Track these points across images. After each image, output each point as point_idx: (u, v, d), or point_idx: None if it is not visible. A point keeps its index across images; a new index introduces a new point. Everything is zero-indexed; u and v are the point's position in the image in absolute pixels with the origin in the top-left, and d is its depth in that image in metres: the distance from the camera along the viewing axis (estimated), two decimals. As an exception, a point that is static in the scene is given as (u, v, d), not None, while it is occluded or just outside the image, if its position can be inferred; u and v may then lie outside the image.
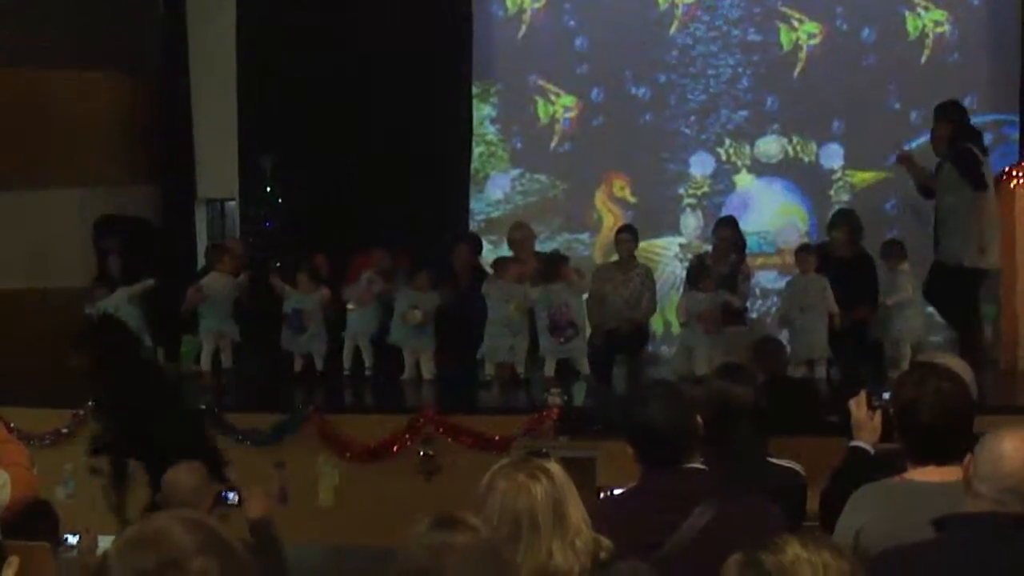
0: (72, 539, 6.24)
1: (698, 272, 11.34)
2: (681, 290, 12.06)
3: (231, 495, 6.11)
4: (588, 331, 11.35)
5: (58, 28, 12.67)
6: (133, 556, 2.52)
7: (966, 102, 12.13)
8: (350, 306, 11.38)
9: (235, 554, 2.58)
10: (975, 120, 11.24)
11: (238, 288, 11.63)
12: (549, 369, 11.00)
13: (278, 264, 12.18)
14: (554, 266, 11.27)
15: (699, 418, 4.47)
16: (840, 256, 11.26)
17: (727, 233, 11.86)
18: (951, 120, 10.56)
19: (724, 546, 3.20)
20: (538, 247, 12.42)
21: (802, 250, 11.31)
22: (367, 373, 11.38)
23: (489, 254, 12.99)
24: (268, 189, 12.82)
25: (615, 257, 12.11)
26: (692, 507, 4.17)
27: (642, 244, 12.38)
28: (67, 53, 12.79)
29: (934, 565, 3.78)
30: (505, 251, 12.48)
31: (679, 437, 4.34)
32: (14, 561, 5.19)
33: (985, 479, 3.81)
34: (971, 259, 10.33)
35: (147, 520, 2.61)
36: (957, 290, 10.55)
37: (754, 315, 12.18)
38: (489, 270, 12.07)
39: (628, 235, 12.04)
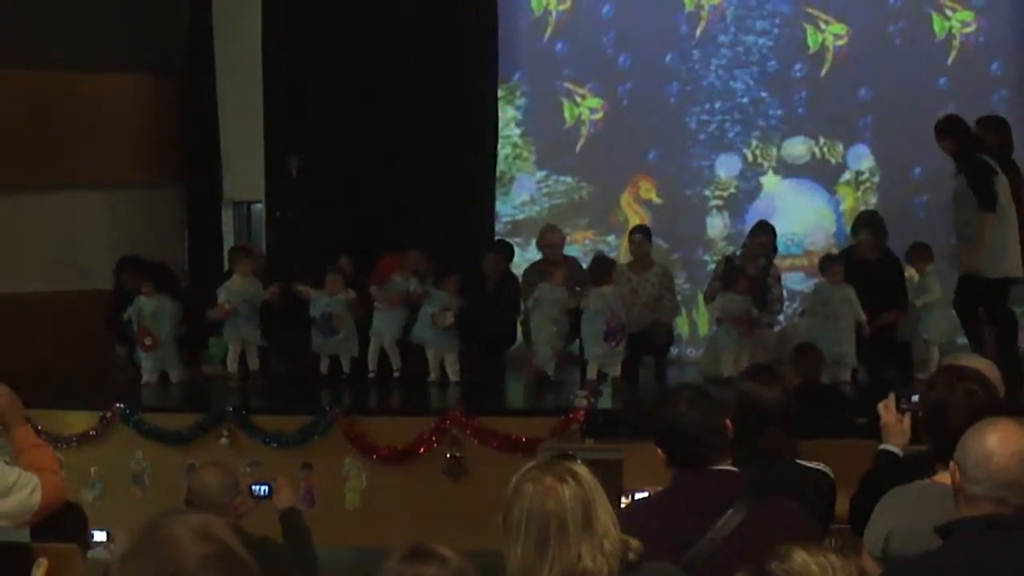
0: (99, 535, 6.26)
1: (732, 273, 11.27)
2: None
3: (261, 488, 6.14)
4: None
5: (84, 29, 12.69)
6: (135, 564, 2.49)
7: (993, 101, 12.11)
8: (378, 305, 11.35)
9: (241, 570, 2.57)
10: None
11: (270, 296, 11.64)
12: (592, 372, 10.91)
13: (299, 269, 12.22)
14: (605, 269, 11.18)
15: (728, 420, 4.46)
16: (866, 259, 11.22)
17: (766, 240, 11.79)
18: (950, 136, 10.46)
19: (755, 548, 3.19)
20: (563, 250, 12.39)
21: (828, 259, 11.24)
22: (395, 375, 11.37)
23: (516, 256, 12.98)
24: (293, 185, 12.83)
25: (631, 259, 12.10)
26: (723, 509, 4.17)
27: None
28: (93, 54, 12.81)
29: (946, 573, 3.75)
30: (532, 253, 12.49)
31: (709, 439, 4.34)
32: (43, 563, 5.22)
33: (978, 481, 3.78)
34: (989, 269, 10.25)
35: (161, 522, 2.59)
36: (976, 300, 10.48)
37: (781, 318, 12.13)
38: (517, 274, 12.18)
39: (641, 235, 11.99)
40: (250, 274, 11.62)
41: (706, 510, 4.17)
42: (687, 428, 4.32)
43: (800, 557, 2.80)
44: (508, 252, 12.59)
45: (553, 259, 11.83)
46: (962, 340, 10.78)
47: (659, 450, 4.41)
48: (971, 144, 10.28)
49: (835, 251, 12.05)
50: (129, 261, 12.18)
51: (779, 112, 13.21)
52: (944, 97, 12.45)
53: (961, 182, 10.26)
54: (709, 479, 4.30)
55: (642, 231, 12.07)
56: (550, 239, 12.03)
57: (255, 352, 11.58)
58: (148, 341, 11.47)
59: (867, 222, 11.48)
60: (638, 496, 5.42)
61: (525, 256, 12.90)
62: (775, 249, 11.96)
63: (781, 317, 12.09)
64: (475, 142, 13.29)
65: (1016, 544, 3.73)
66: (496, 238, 13.24)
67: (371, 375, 11.38)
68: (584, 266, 11.91)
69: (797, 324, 11.95)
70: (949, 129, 10.46)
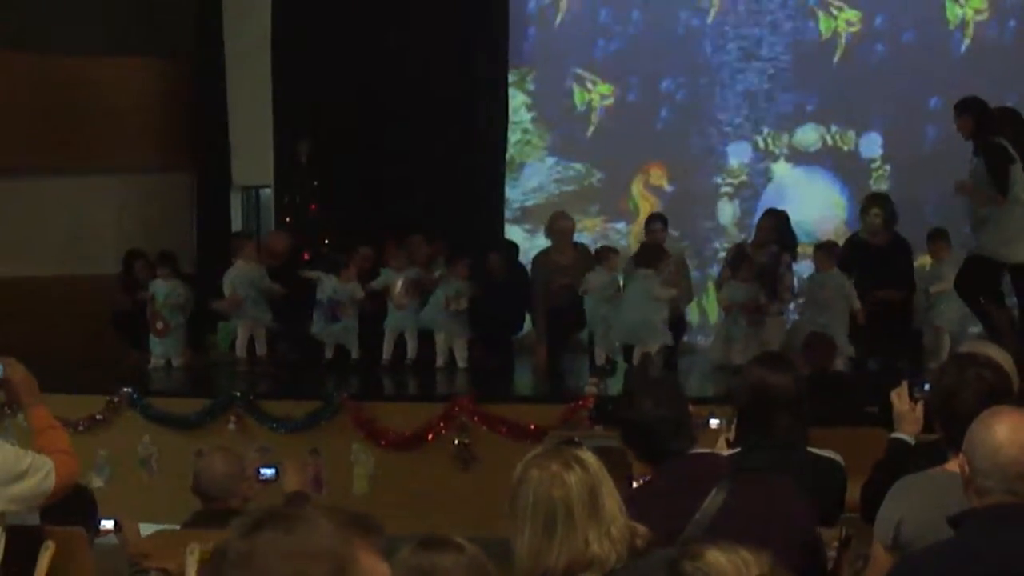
0: (107, 524, 6.23)
1: (739, 261, 11.25)
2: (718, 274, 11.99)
3: (269, 471, 6.11)
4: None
5: (94, 13, 12.68)
6: None
7: (1006, 89, 12.05)
8: (400, 299, 11.29)
9: None
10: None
11: (273, 294, 11.68)
12: (600, 358, 10.93)
13: (310, 256, 12.25)
14: (656, 254, 11.16)
15: (691, 408, 4.44)
16: (874, 243, 11.16)
17: (769, 223, 11.73)
18: (970, 113, 10.41)
19: (746, 524, 3.17)
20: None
21: (820, 248, 11.19)
22: (407, 362, 11.34)
23: (525, 242, 12.95)
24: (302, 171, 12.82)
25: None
26: (706, 491, 4.13)
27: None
28: (103, 39, 12.81)
29: (959, 564, 3.71)
30: (542, 240, 12.44)
31: (678, 431, 4.33)
32: (50, 546, 5.21)
33: (989, 474, 3.73)
34: (1001, 253, 10.20)
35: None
36: (983, 283, 10.42)
37: (792, 306, 12.07)
38: (525, 266, 12.21)
39: (659, 224, 11.96)
40: (253, 259, 11.63)
41: (690, 493, 4.14)
42: (655, 425, 4.32)
43: (712, 556, 2.80)
44: (512, 251, 12.54)
45: (562, 246, 11.78)
46: (974, 328, 10.74)
47: (629, 449, 4.39)
48: (990, 126, 10.21)
49: (844, 239, 11.97)
50: (138, 252, 12.27)
51: (791, 99, 13.15)
52: (956, 85, 12.36)
53: (978, 163, 10.20)
54: (691, 463, 4.29)
55: (660, 220, 12.01)
56: (561, 225, 11.96)
57: (263, 337, 11.58)
58: (160, 326, 11.49)
59: (876, 203, 11.41)
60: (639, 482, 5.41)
61: (535, 243, 12.87)
62: (793, 236, 11.86)
63: (792, 305, 12.01)
64: (485, 128, 13.26)
65: None
66: (506, 224, 13.26)
67: (383, 362, 11.33)
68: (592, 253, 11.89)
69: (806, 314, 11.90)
70: (969, 108, 10.41)
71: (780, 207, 12.24)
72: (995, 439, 3.73)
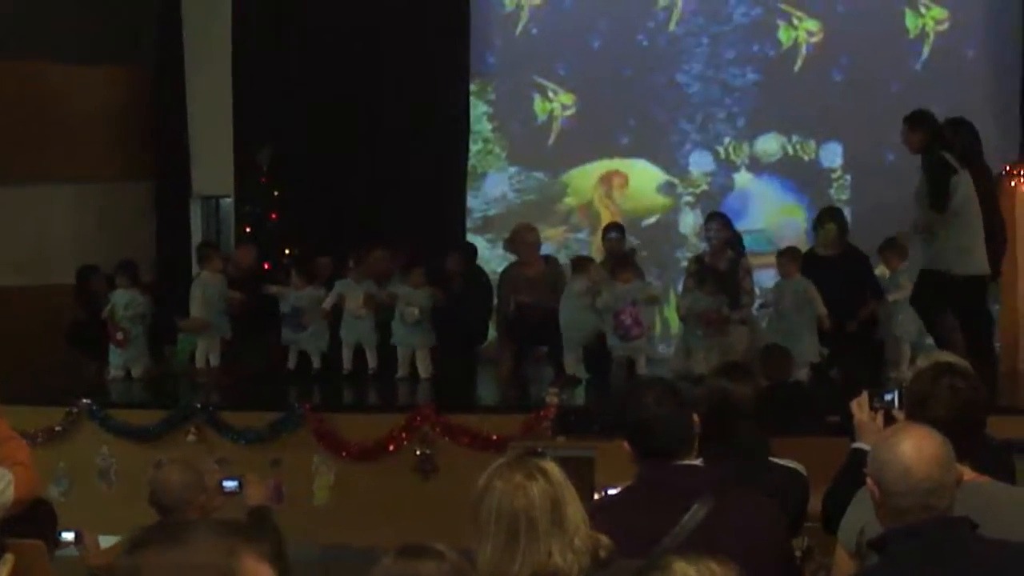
0: (67, 536, 6.19)
1: (703, 274, 11.23)
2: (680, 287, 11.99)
3: (232, 483, 6.07)
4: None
5: (54, 22, 12.60)
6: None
7: (966, 98, 12.10)
8: (357, 310, 11.26)
9: None
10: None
11: (233, 302, 11.63)
12: (570, 368, 10.90)
13: (269, 267, 12.23)
14: (624, 263, 11.16)
15: (696, 417, 4.41)
16: (827, 255, 11.20)
17: (716, 226, 11.73)
18: (922, 129, 10.43)
19: (721, 542, 3.15)
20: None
21: (783, 254, 11.20)
22: (369, 372, 11.30)
23: (487, 252, 12.93)
24: (263, 180, 12.78)
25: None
26: (688, 504, 4.11)
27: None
28: (63, 48, 12.73)
29: None
30: (502, 250, 12.44)
31: (676, 433, 4.28)
32: (9, 559, 5.16)
33: (904, 495, 3.72)
34: (950, 265, 10.23)
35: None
36: (936, 297, 10.45)
37: (755, 312, 12.09)
38: (485, 271, 12.20)
39: (616, 234, 11.99)
40: (218, 270, 11.60)
41: (671, 505, 4.11)
42: (655, 423, 4.26)
43: (680, 567, 2.81)
44: (471, 251, 12.52)
45: (529, 258, 11.73)
46: (931, 339, 10.78)
47: (626, 444, 4.35)
48: (935, 141, 10.24)
49: (805, 248, 12.00)
50: (92, 268, 12.20)
51: (752, 109, 13.17)
52: (917, 94, 12.42)
53: (922, 178, 10.25)
54: (674, 474, 4.24)
55: (617, 229, 12.06)
56: (527, 237, 11.89)
57: (217, 348, 11.54)
58: (120, 336, 11.44)
59: (829, 217, 11.46)
60: (603, 493, 5.37)
61: (496, 252, 12.86)
62: (738, 234, 11.86)
63: (755, 311, 12.02)
64: (446, 137, 13.25)
65: (958, 544, 3.69)
66: (467, 234, 13.22)
67: (345, 372, 11.30)
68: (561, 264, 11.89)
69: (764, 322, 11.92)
70: (919, 122, 10.43)
71: (741, 216, 12.27)
72: (903, 459, 3.73)
